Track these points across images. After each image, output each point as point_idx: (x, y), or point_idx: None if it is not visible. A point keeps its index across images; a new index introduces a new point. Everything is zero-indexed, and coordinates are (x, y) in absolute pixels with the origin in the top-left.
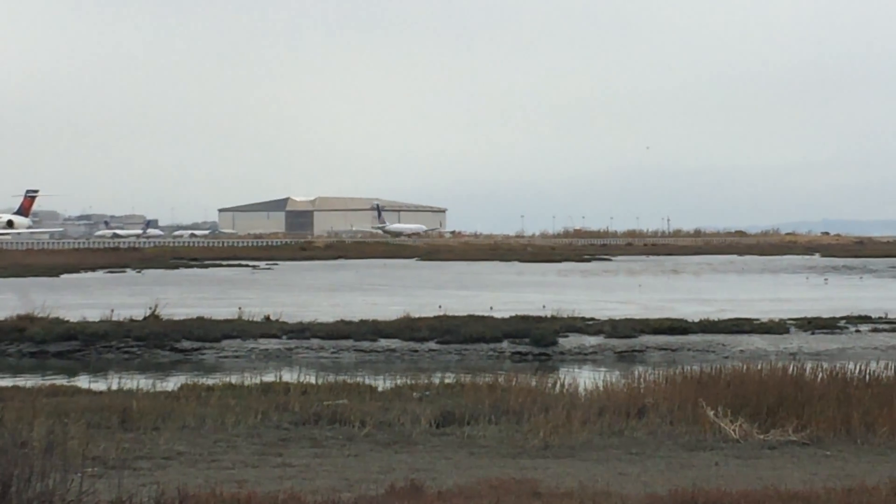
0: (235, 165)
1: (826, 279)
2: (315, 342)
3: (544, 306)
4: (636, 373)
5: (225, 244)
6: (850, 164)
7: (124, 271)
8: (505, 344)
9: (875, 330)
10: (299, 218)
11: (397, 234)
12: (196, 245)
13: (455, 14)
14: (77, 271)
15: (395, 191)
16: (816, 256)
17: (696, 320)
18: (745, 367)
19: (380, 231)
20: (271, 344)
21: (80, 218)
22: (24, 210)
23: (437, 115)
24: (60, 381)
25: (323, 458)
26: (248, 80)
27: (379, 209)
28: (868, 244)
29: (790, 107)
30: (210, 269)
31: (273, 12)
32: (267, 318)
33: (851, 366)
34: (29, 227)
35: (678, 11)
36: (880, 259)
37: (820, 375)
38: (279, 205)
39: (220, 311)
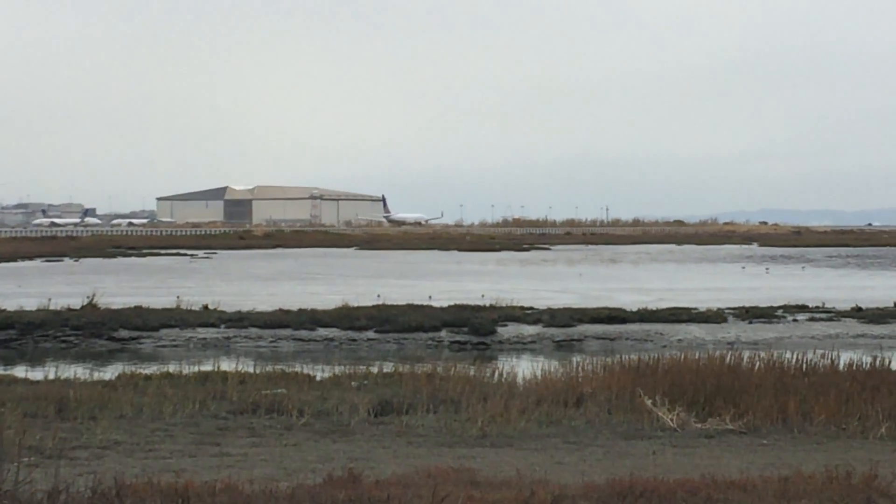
0: (174, 154)
1: (767, 269)
2: (253, 331)
3: (483, 295)
4: (574, 362)
5: (163, 233)
6: (789, 154)
7: (62, 260)
8: (443, 333)
9: (812, 319)
10: (238, 207)
11: (401, 222)
12: (134, 234)
13: (396, 4)
14: (14, 260)
15: (334, 179)
16: (754, 246)
17: (635, 309)
18: (682, 356)
19: (384, 219)
20: (209, 333)
21: (18, 206)
22: None
23: (376, 104)
24: None
25: (261, 448)
26: (188, 69)
27: (384, 200)
28: (806, 234)
29: (729, 97)
30: (148, 258)
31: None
32: (205, 308)
33: (788, 355)
34: None
35: (619, 4)
36: (818, 248)
37: (757, 364)
38: (218, 194)
39: (159, 300)
